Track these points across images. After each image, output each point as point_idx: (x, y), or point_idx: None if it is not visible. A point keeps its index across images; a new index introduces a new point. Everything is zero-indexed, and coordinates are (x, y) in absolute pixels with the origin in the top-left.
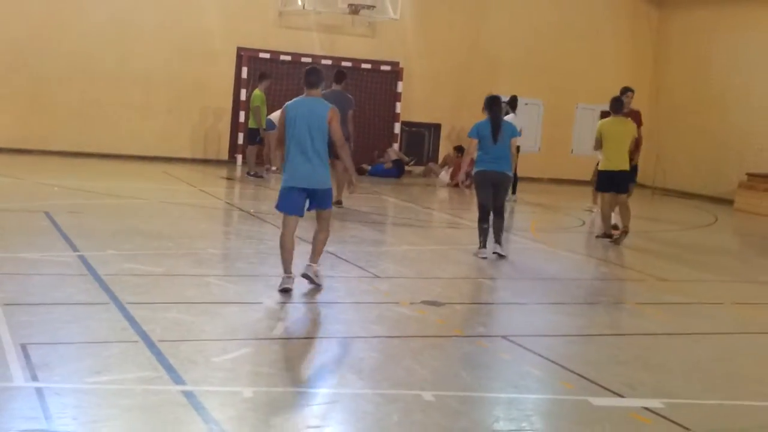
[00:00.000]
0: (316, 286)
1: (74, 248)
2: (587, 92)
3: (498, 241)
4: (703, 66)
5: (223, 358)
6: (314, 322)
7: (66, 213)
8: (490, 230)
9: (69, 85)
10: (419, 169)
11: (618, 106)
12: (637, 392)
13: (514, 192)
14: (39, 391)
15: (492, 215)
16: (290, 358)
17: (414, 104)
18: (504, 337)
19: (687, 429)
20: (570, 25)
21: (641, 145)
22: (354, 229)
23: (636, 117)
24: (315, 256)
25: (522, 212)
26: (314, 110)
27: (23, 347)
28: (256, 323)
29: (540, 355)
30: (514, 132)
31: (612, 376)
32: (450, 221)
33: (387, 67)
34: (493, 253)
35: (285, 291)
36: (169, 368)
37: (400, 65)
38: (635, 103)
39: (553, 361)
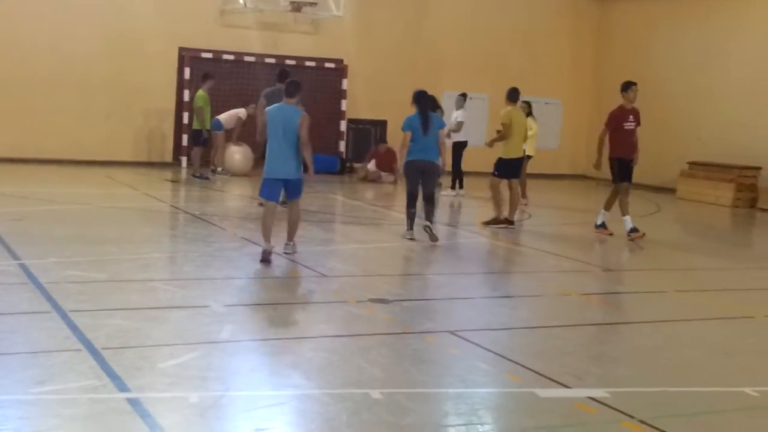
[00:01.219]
0: (295, 254)
1: (15, 256)
2: (531, 86)
3: (429, 219)
4: (644, 58)
5: (169, 364)
6: (262, 324)
7: (6, 220)
8: (420, 213)
9: (4, 91)
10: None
11: (516, 95)
12: (583, 382)
13: (461, 187)
14: None
15: (423, 202)
16: (237, 362)
17: (359, 101)
18: (451, 332)
19: (631, 417)
20: (512, 20)
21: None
22: (301, 229)
23: (636, 115)
24: (291, 235)
25: (468, 206)
26: (289, 116)
27: None
28: (203, 327)
29: (487, 349)
30: (442, 124)
31: (558, 367)
32: (397, 218)
33: (331, 65)
34: (424, 226)
35: (265, 261)
36: (114, 376)
37: (344, 62)
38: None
39: (500, 355)
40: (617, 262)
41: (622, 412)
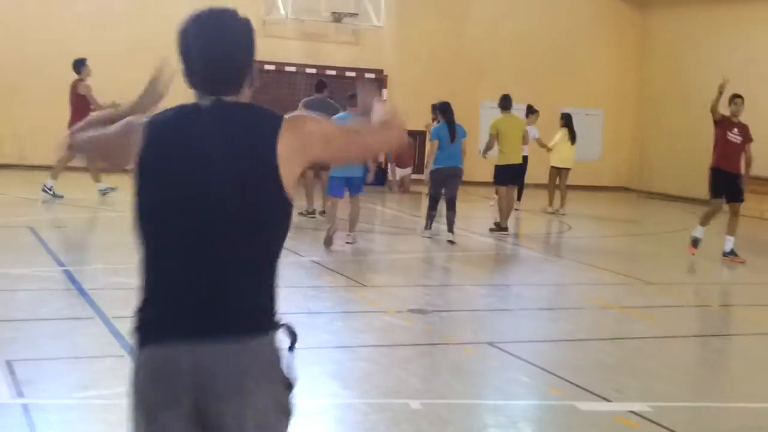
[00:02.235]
0: (354, 243)
1: (59, 263)
2: (570, 96)
3: (450, 230)
4: (687, 67)
5: None
6: (301, 333)
7: (50, 227)
8: (441, 220)
9: (49, 101)
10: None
11: (508, 103)
12: (624, 396)
13: (519, 199)
14: (25, 408)
15: (445, 208)
16: None
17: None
18: (491, 343)
19: (673, 431)
20: (553, 29)
21: (751, 162)
22: (340, 239)
23: (743, 130)
24: (352, 227)
25: (509, 219)
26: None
27: (8, 364)
28: None
29: (527, 361)
30: (465, 133)
31: (599, 381)
32: (438, 229)
33: (371, 75)
34: (448, 241)
35: (328, 243)
36: None
37: (384, 73)
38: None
39: (540, 367)
40: (660, 276)
41: (663, 427)
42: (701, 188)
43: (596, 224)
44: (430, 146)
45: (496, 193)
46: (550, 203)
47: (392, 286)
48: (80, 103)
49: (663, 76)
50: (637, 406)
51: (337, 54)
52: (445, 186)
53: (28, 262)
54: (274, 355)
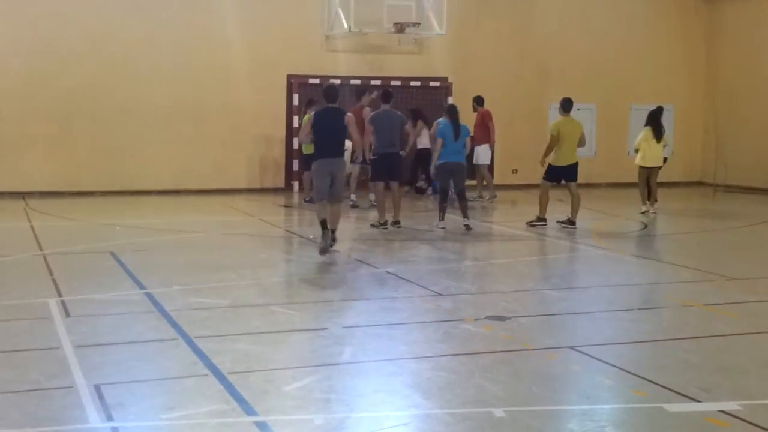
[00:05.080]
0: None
1: (141, 286)
2: (640, 92)
3: (465, 216)
4: (757, 56)
5: (293, 387)
6: (380, 345)
7: (130, 251)
8: (453, 209)
9: (123, 126)
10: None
11: (569, 106)
12: (713, 395)
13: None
14: (115, 431)
15: (456, 198)
16: (359, 383)
17: (466, 119)
18: (572, 347)
19: (766, 430)
20: (618, 25)
21: None
22: (413, 248)
23: None
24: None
25: (582, 219)
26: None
27: (97, 388)
28: (323, 349)
29: (610, 364)
30: (468, 133)
31: (685, 381)
32: (507, 233)
33: (436, 83)
34: (464, 225)
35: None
36: (241, 400)
37: (449, 80)
38: (689, 99)
39: (624, 369)
40: (740, 271)
41: (756, 425)
42: None
43: (672, 220)
44: (436, 144)
45: (644, 201)
46: (643, 203)
47: (468, 293)
48: None
49: (734, 67)
50: (728, 406)
51: (401, 64)
52: (453, 180)
53: (110, 287)
54: None
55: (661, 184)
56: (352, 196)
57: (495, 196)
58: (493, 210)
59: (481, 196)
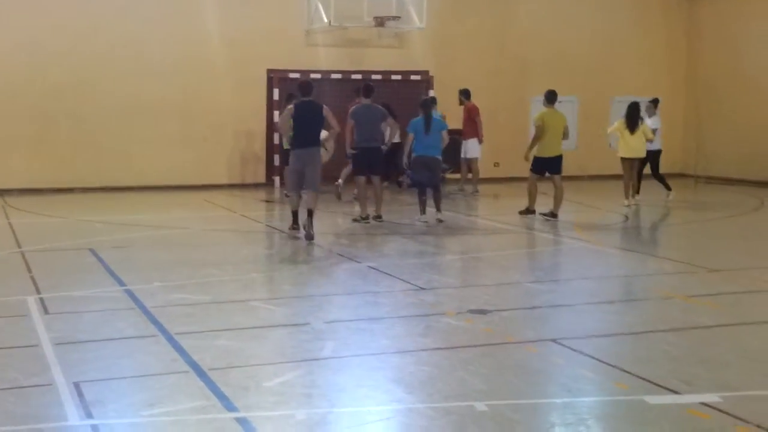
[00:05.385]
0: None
1: (121, 283)
2: (621, 86)
3: (438, 210)
4: (736, 50)
5: (275, 382)
6: (362, 340)
7: (110, 248)
8: (430, 201)
9: (103, 123)
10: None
11: (554, 97)
12: (694, 387)
13: (669, 189)
14: (95, 428)
15: (431, 191)
16: (341, 378)
17: (447, 112)
18: (554, 340)
19: (747, 422)
20: (598, 21)
21: None
22: (395, 242)
23: None
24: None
25: (564, 211)
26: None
27: (76, 385)
28: (305, 344)
29: (592, 357)
30: (443, 126)
31: (666, 373)
32: (489, 227)
33: (417, 77)
34: (436, 219)
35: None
36: (221, 396)
37: (430, 73)
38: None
39: (605, 362)
40: (722, 262)
41: (737, 417)
42: (763, 170)
43: (654, 212)
44: (407, 138)
45: (626, 194)
46: (626, 196)
47: (450, 287)
48: None
49: (713, 61)
50: (709, 398)
51: (381, 58)
52: (428, 174)
53: (90, 284)
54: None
55: (642, 176)
56: (340, 181)
57: (477, 191)
58: (475, 203)
59: (462, 189)
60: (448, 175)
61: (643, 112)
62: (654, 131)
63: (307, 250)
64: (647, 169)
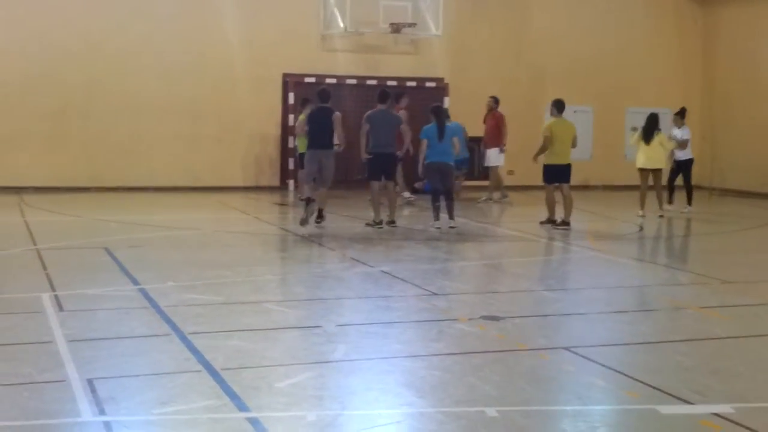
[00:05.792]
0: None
1: (135, 282)
2: (636, 96)
3: (451, 217)
4: (753, 60)
5: (286, 383)
6: (374, 343)
7: (125, 248)
8: (443, 208)
9: (119, 123)
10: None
11: (562, 107)
12: (706, 398)
13: (690, 203)
14: (107, 425)
15: (444, 197)
16: (352, 381)
17: (462, 119)
18: (566, 348)
19: None
20: (613, 29)
21: None
22: (409, 248)
23: None
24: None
25: (577, 221)
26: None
27: (89, 382)
28: (317, 347)
29: (604, 365)
30: (456, 132)
31: (679, 383)
32: (504, 234)
33: (432, 84)
34: (449, 227)
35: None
36: (233, 396)
37: (445, 81)
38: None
39: (617, 371)
40: (735, 274)
41: (749, 429)
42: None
43: (668, 223)
44: (420, 145)
45: (642, 205)
46: (641, 207)
47: (463, 293)
48: None
49: (730, 71)
50: (721, 408)
51: (397, 64)
52: (441, 180)
53: (104, 282)
54: None
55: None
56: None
57: (506, 197)
58: (489, 211)
59: (490, 198)
60: (467, 182)
61: (670, 124)
62: (685, 142)
63: (320, 253)
64: (679, 180)
